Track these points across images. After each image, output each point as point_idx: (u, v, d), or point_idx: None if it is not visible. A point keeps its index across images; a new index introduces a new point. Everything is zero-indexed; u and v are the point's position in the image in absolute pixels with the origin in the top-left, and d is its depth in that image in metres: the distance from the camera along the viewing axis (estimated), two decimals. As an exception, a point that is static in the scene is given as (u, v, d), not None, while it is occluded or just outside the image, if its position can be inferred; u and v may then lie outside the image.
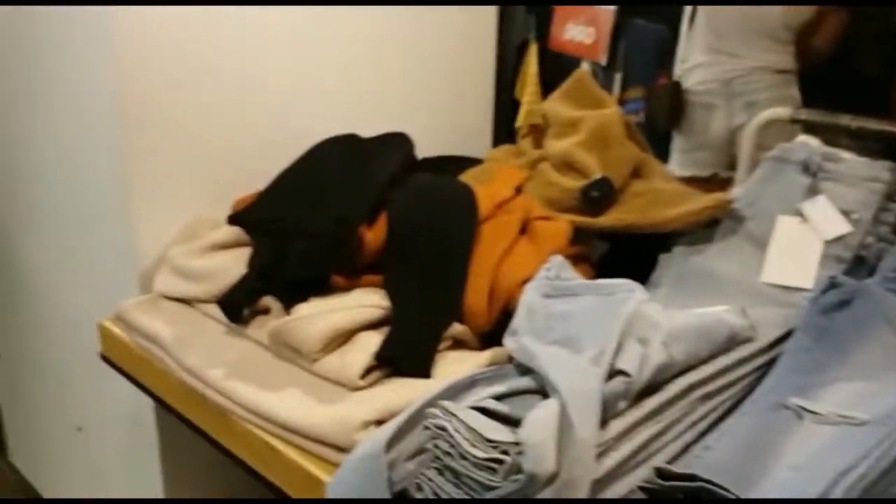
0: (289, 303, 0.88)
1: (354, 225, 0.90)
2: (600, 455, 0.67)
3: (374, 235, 0.92)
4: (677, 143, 1.43)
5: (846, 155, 1.03)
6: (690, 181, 1.24)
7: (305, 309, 0.87)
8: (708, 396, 0.77)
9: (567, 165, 1.09)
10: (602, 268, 1.01)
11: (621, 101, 1.40)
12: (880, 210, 0.98)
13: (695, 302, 0.88)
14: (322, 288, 0.90)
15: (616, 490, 0.67)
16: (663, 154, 1.37)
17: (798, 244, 0.94)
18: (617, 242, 1.06)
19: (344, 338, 0.84)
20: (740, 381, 0.79)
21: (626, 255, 1.04)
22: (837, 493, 0.61)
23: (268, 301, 0.91)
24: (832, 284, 0.87)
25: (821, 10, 1.26)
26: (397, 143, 1.07)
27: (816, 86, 1.27)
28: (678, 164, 1.42)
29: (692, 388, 0.76)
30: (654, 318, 0.80)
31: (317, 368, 0.83)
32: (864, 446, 0.68)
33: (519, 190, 1.07)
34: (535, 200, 1.06)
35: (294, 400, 0.79)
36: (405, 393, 0.77)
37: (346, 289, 0.91)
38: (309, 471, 0.75)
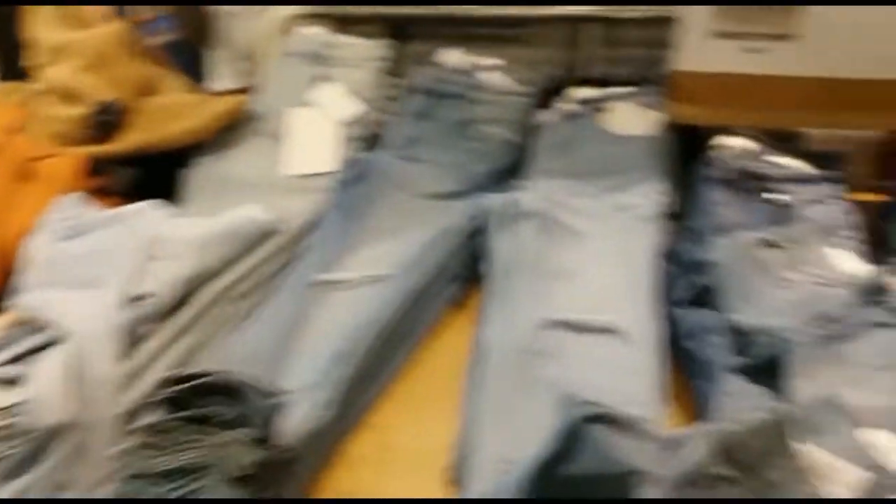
0: None
1: None
2: (127, 386, 0.63)
3: None
4: (211, 58, 1.38)
5: (347, 39, 1.08)
6: (230, 95, 1.21)
7: None
8: (243, 296, 0.77)
9: (68, 94, 0.97)
10: (135, 196, 0.94)
11: (151, 21, 1.29)
12: (386, 87, 1.05)
13: (222, 208, 0.86)
14: None
15: (156, 416, 0.64)
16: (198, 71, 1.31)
17: (314, 132, 0.97)
18: (146, 166, 0.98)
19: None
20: (276, 275, 0.81)
21: (157, 177, 0.97)
22: (369, 342, 0.67)
23: None
24: (349, 162, 0.93)
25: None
26: None
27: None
28: (220, 78, 1.37)
29: (227, 290, 0.75)
30: (177, 233, 0.77)
31: None
32: (386, 296, 0.75)
33: (14, 132, 0.93)
34: (37, 139, 0.93)
35: None
36: None
37: None
38: None
